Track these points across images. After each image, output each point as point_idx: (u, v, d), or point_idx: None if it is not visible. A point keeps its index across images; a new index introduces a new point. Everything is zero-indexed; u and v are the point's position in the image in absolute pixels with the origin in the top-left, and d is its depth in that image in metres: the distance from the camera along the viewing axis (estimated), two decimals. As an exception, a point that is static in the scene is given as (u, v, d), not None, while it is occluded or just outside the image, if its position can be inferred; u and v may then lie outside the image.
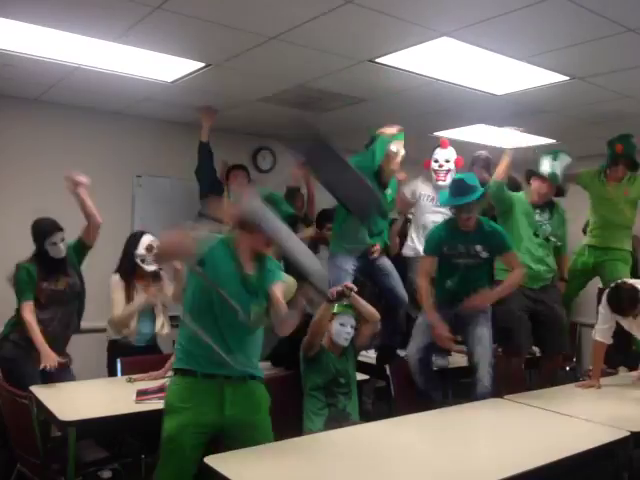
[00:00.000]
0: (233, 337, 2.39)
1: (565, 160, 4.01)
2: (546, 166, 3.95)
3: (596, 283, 4.72)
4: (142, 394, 3.00)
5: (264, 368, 2.68)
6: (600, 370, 3.70)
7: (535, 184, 4.01)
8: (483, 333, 3.58)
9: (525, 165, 4.14)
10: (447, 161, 4.37)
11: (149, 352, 3.85)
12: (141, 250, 3.84)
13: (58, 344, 3.48)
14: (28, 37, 3.34)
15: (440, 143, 4.47)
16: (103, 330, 3.95)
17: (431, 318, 3.58)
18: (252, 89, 4.31)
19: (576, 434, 2.68)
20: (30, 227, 3.57)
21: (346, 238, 3.86)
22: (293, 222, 3.71)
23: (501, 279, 3.80)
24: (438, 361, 4.13)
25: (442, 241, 3.63)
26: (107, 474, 3.50)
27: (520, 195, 4.08)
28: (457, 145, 4.68)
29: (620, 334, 3.69)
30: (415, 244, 4.36)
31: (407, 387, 3.68)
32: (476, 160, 4.58)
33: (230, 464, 2.14)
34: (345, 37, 3.29)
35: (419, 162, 4.50)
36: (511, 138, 4.45)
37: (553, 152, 4.04)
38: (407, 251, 4.44)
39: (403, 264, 4.34)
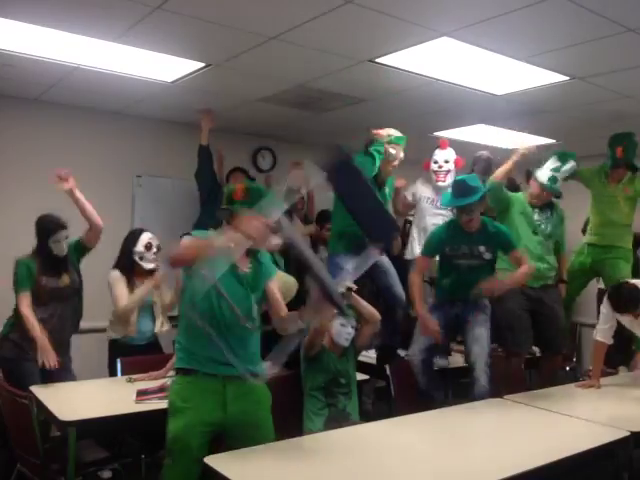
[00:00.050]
0: (233, 336, 2.39)
1: (570, 167, 4.01)
2: (544, 175, 3.95)
3: (596, 283, 4.73)
4: (142, 394, 3.00)
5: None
6: (600, 370, 3.70)
7: (533, 185, 4.02)
8: (481, 333, 3.59)
9: (525, 165, 4.14)
10: (446, 162, 4.38)
11: (151, 350, 3.85)
12: (140, 247, 3.84)
13: (58, 342, 3.48)
14: (28, 37, 3.34)
15: (439, 144, 4.47)
16: (103, 330, 3.95)
17: (419, 312, 3.60)
18: (252, 89, 4.31)
19: (576, 434, 2.68)
20: (34, 223, 3.57)
21: (345, 237, 3.84)
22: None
23: (500, 278, 3.81)
24: (439, 361, 4.13)
25: (443, 242, 3.62)
26: (107, 474, 3.51)
27: (518, 195, 4.09)
28: (457, 145, 4.69)
29: (620, 334, 3.69)
30: (415, 247, 4.36)
31: (407, 387, 3.68)
32: (477, 161, 4.59)
33: (230, 464, 2.14)
34: (345, 37, 3.29)
35: (419, 162, 4.51)
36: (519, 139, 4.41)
37: (561, 156, 4.01)
38: (408, 255, 4.44)
39: (404, 267, 4.34)
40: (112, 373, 3.76)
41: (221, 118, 4.89)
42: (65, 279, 3.58)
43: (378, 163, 3.76)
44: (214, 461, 2.16)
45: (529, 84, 4.01)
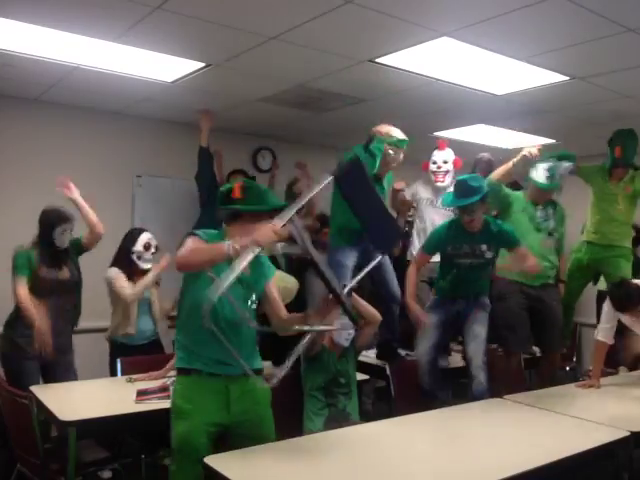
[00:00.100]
0: (235, 336, 2.38)
1: (565, 167, 4.00)
2: (539, 177, 3.94)
3: (595, 284, 4.72)
4: (142, 394, 3.00)
5: (264, 367, 2.68)
6: (600, 370, 3.70)
7: (530, 188, 4.03)
8: (480, 331, 3.61)
9: (526, 167, 4.13)
10: (445, 162, 4.38)
11: (151, 350, 3.85)
12: (139, 247, 3.84)
13: (59, 335, 3.48)
14: (28, 37, 3.34)
15: (438, 145, 4.48)
16: (103, 330, 3.95)
17: (408, 302, 3.61)
18: (252, 89, 4.31)
19: (576, 434, 2.68)
20: (39, 214, 3.60)
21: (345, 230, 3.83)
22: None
23: (502, 275, 3.85)
24: (439, 362, 4.13)
25: (444, 241, 3.62)
26: (107, 474, 3.51)
27: (518, 194, 4.09)
28: (457, 145, 4.69)
29: (621, 334, 3.69)
30: (416, 249, 4.35)
31: (407, 387, 3.68)
32: (478, 163, 4.59)
33: (230, 464, 2.14)
34: (345, 37, 3.29)
35: (419, 163, 4.50)
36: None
37: (560, 157, 4.00)
38: (409, 256, 4.44)
39: (405, 268, 4.33)
40: (113, 373, 3.76)
41: (221, 118, 4.90)
42: (65, 272, 3.60)
43: (379, 161, 3.75)
44: (214, 461, 2.16)
45: (529, 84, 4.01)
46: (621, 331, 3.70)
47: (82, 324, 3.84)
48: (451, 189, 4.01)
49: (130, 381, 3.36)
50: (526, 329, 3.94)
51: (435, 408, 3.15)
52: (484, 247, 3.57)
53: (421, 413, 2.96)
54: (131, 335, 3.78)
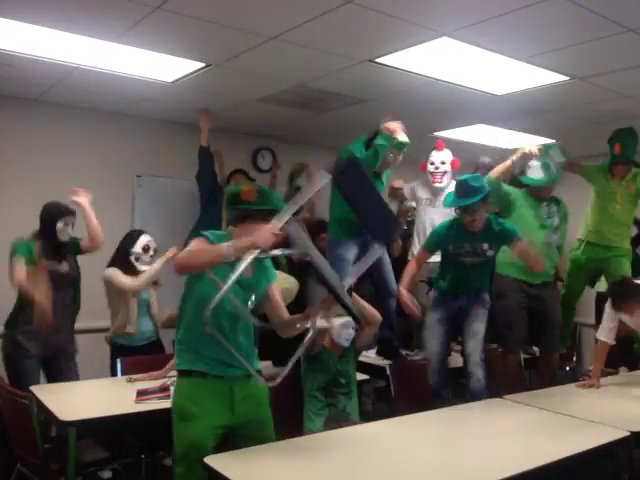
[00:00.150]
0: (236, 338, 2.38)
1: (557, 158, 4.00)
2: (538, 172, 3.94)
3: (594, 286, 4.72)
4: (142, 394, 3.00)
5: (264, 368, 2.68)
6: (600, 370, 3.70)
7: (531, 187, 4.04)
8: (479, 329, 3.62)
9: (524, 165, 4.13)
10: (443, 163, 4.39)
11: (152, 350, 3.86)
12: (137, 249, 3.84)
13: (60, 328, 3.48)
14: (28, 37, 3.34)
15: (435, 145, 4.49)
16: (103, 330, 3.95)
17: (400, 290, 3.62)
18: (252, 89, 4.31)
19: (576, 434, 2.68)
20: (41, 208, 3.61)
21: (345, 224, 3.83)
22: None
23: (502, 272, 3.89)
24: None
25: (445, 240, 3.62)
26: (107, 474, 3.51)
27: (520, 192, 4.08)
28: (457, 145, 4.69)
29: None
30: (416, 249, 4.35)
31: (407, 387, 3.68)
32: (479, 167, 4.60)
33: (230, 464, 2.14)
34: (345, 37, 3.29)
35: (418, 162, 4.51)
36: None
37: (543, 151, 3.99)
38: (410, 256, 4.44)
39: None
40: (113, 373, 3.76)
41: (221, 118, 4.90)
42: (65, 265, 3.62)
43: (381, 158, 3.75)
44: (214, 461, 2.16)
45: (529, 84, 4.01)
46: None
47: (81, 324, 3.84)
48: (449, 190, 4.02)
49: (130, 381, 3.36)
50: (524, 328, 3.94)
51: (435, 408, 3.15)
52: (485, 246, 3.57)
53: (421, 413, 2.96)
54: (132, 334, 3.78)
